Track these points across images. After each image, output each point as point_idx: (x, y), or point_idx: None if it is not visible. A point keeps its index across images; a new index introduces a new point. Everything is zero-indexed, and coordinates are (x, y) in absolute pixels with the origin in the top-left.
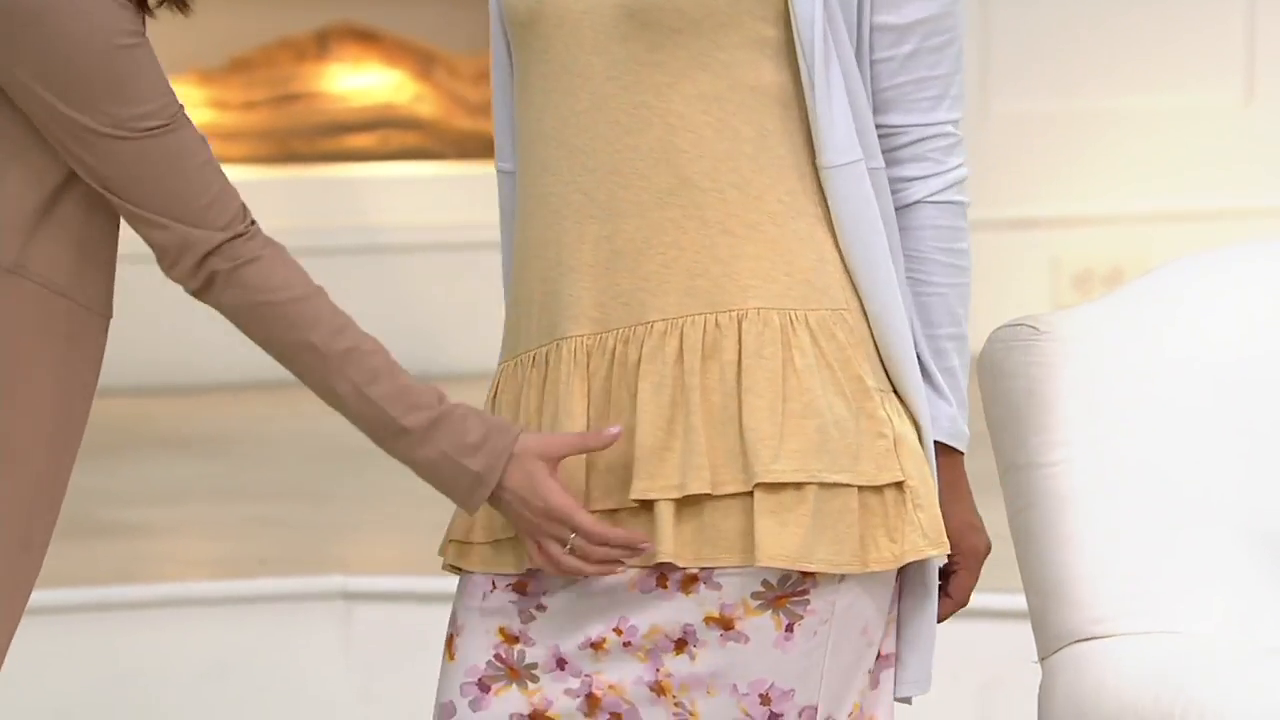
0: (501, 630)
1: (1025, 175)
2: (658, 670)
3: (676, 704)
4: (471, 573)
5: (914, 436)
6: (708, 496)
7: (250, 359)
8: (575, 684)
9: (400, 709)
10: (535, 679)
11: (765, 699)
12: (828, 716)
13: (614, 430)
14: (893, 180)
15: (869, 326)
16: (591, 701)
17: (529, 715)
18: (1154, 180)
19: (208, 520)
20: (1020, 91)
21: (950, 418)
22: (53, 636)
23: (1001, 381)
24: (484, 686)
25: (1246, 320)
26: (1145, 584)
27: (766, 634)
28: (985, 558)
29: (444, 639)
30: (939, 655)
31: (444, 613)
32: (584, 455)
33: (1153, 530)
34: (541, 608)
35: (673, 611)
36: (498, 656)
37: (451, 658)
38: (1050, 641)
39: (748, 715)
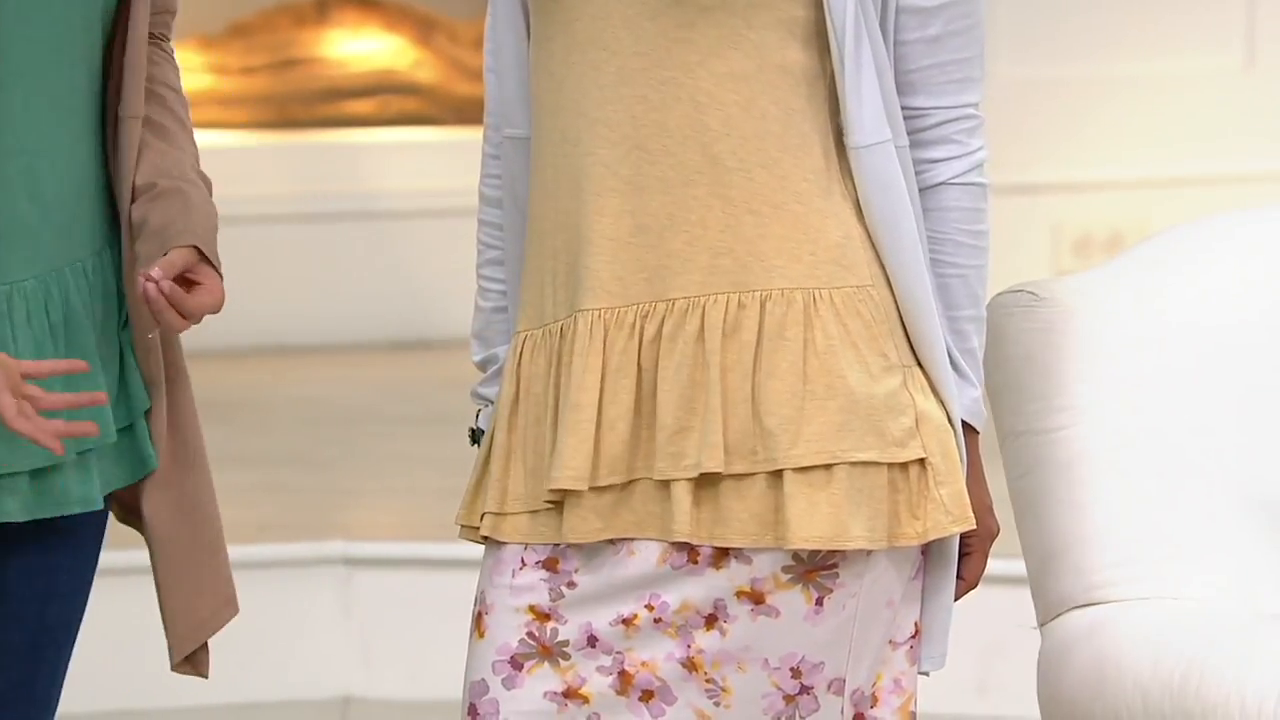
0: (532, 608)
1: (1026, 141)
2: (689, 647)
3: (708, 680)
4: (502, 544)
5: (938, 413)
6: (725, 476)
7: (252, 325)
8: (607, 661)
9: (401, 674)
10: (567, 656)
11: (796, 672)
12: (856, 688)
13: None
14: (917, 162)
15: (895, 302)
16: (624, 679)
17: (563, 693)
18: (1155, 146)
19: None
20: (1021, 57)
21: (973, 399)
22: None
23: (1001, 348)
24: (516, 665)
25: (1246, 286)
26: (1144, 550)
27: (797, 608)
28: (995, 539)
29: (471, 617)
30: None
31: (444, 578)
32: (593, 436)
33: (1152, 496)
34: (572, 585)
35: (704, 587)
36: (530, 634)
37: (481, 635)
38: (1050, 607)
39: (779, 688)
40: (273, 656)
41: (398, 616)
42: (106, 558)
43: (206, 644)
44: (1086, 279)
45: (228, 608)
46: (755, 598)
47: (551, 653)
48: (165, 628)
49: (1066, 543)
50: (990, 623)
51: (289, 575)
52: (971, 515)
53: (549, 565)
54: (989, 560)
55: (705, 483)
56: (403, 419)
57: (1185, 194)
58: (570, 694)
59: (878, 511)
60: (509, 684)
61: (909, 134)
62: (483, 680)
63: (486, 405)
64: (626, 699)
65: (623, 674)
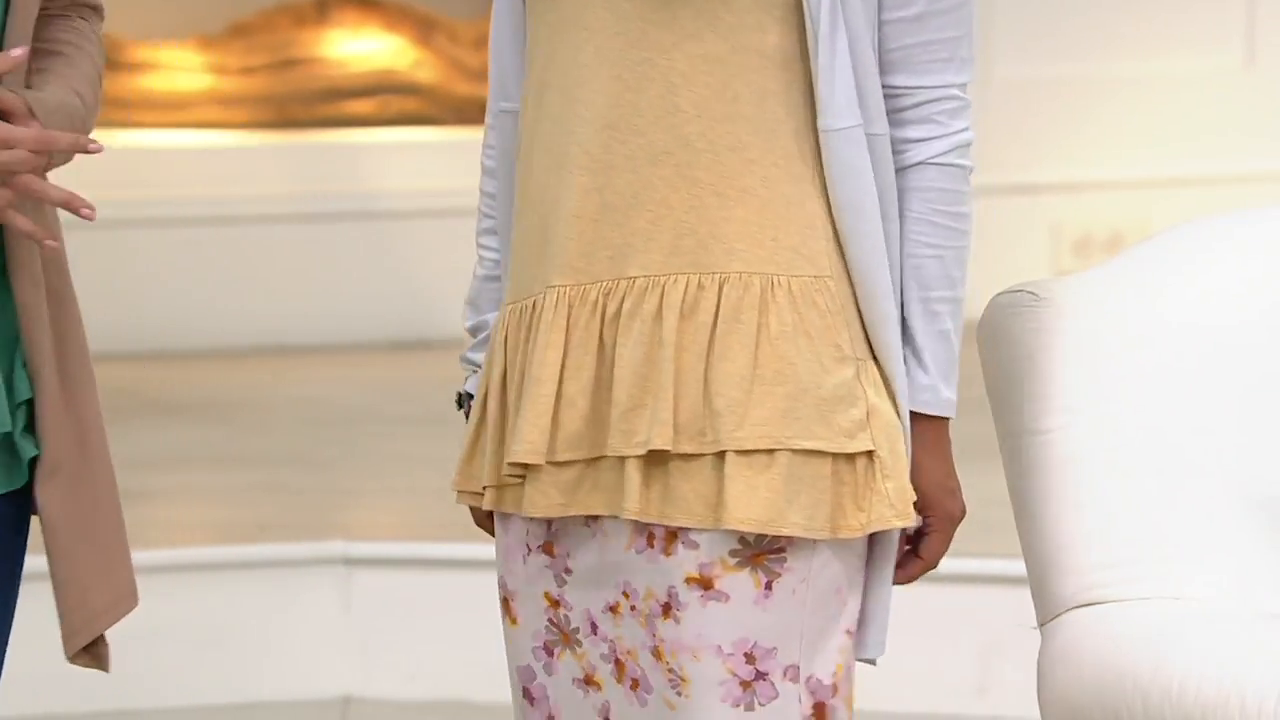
0: (546, 595)
1: (1026, 141)
2: (654, 635)
3: (670, 671)
4: (508, 520)
5: (889, 408)
6: (674, 456)
7: (252, 325)
8: (605, 649)
9: (400, 674)
10: (579, 643)
11: (750, 658)
12: (810, 675)
13: (16, 52)
14: (897, 141)
15: (853, 295)
16: (619, 667)
17: (584, 679)
18: (1154, 145)
19: (208, 486)
20: (1021, 57)
21: (929, 388)
22: (54, 601)
23: (1000, 348)
24: (549, 651)
25: (1246, 286)
26: (1144, 550)
27: (746, 591)
28: (959, 522)
29: (499, 602)
30: (939, 620)
31: (444, 578)
32: (551, 410)
33: (1151, 496)
34: (569, 570)
35: (659, 574)
36: (551, 621)
37: (515, 623)
38: (1050, 607)
39: (734, 674)
40: (273, 656)
41: (398, 616)
42: None
43: (104, 636)
44: (1086, 279)
45: (127, 600)
46: (704, 583)
47: (570, 640)
48: (60, 618)
49: (1066, 542)
50: (990, 623)
51: (289, 575)
52: (913, 512)
53: (547, 549)
54: (990, 560)
55: (655, 461)
56: (403, 419)
57: (1185, 194)
58: (589, 680)
59: (819, 501)
60: (549, 670)
61: (891, 113)
62: (528, 666)
63: (474, 371)
64: (623, 687)
65: (617, 661)
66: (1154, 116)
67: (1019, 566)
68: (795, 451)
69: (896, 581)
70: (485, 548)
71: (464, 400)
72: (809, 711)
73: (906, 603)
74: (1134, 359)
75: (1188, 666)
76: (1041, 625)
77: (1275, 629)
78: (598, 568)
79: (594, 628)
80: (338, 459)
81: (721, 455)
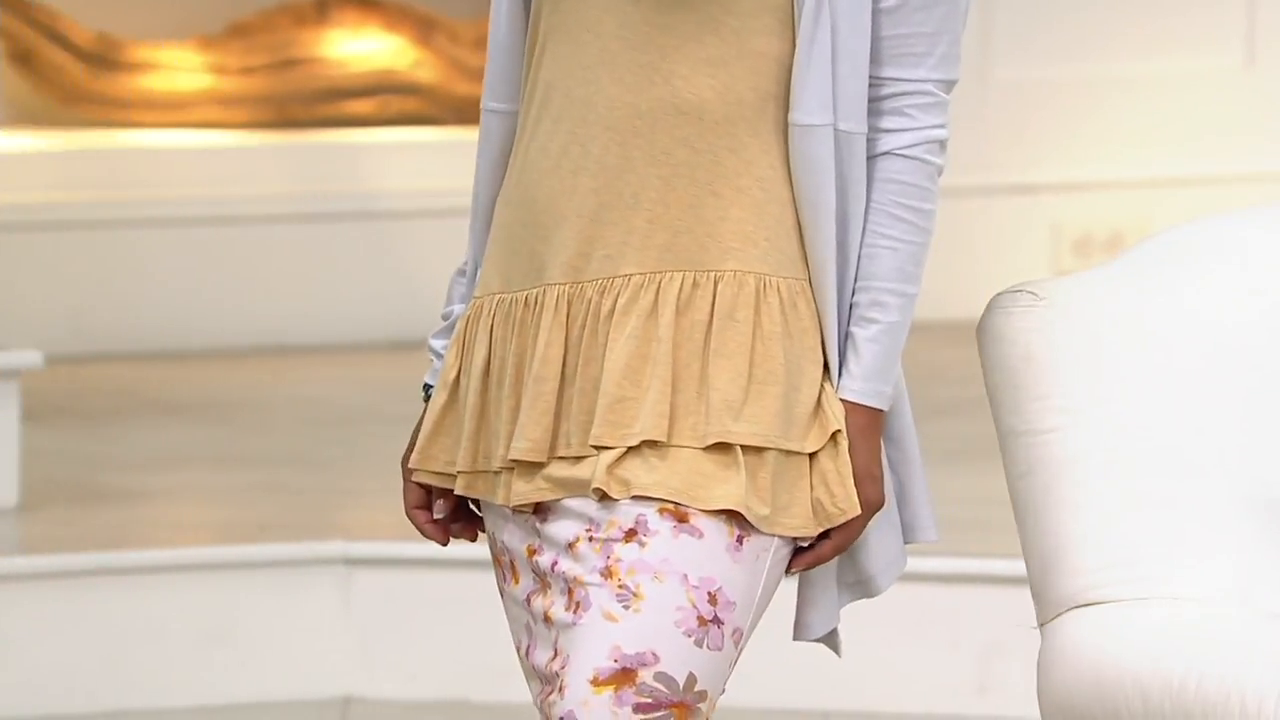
0: (528, 548)
1: (1026, 141)
2: (608, 558)
3: (621, 586)
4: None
5: (841, 410)
6: (658, 443)
7: (252, 325)
8: (563, 584)
9: (401, 674)
10: (550, 586)
11: (713, 599)
12: (741, 652)
13: None
14: (870, 132)
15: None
16: (570, 596)
17: (544, 617)
18: (1155, 146)
19: (208, 486)
20: (1021, 57)
21: (863, 378)
22: (54, 601)
23: (1000, 348)
24: (529, 601)
25: (1247, 286)
26: (1144, 550)
27: (720, 536)
28: (877, 510)
29: (503, 566)
30: (939, 620)
31: (444, 578)
32: (554, 409)
33: (1152, 496)
34: (544, 520)
35: (627, 507)
36: (533, 571)
37: (517, 582)
38: (1049, 607)
39: (694, 607)
40: (273, 656)
41: (398, 616)
42: (102, 559)
43: None
44: (1086, 279)
45: None
46: (679, 516)
47: (547, 584)
48: None
49: (1066, 542)
50: (990, 623)
51: (289, 575)
52: (855, 508)
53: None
54: (990, 560)
55: (635, 449)
56: (403, 419)
57: (1186, 193)
58: (547, 618)
59: (799, 499)
60: (534, 619)
61: (870, 103)
62: (528, 624)
63: (437, 360)
64: (573, 615)
65: (569, 592)
66: (1154, 116)
67: (1019, 566)
68: (783, 452)
69: (804, 566)
70: (485, 548)
71: (430, 393)
72: (722, 686)
73: (907, 603)
74: (1134, 359)
75: (1188, 666)
76: (1041, 625)
77: (1275, 629)
78: (565, 514)
79: (554, 566)
80: (338, 459)
81: (709, 449)
